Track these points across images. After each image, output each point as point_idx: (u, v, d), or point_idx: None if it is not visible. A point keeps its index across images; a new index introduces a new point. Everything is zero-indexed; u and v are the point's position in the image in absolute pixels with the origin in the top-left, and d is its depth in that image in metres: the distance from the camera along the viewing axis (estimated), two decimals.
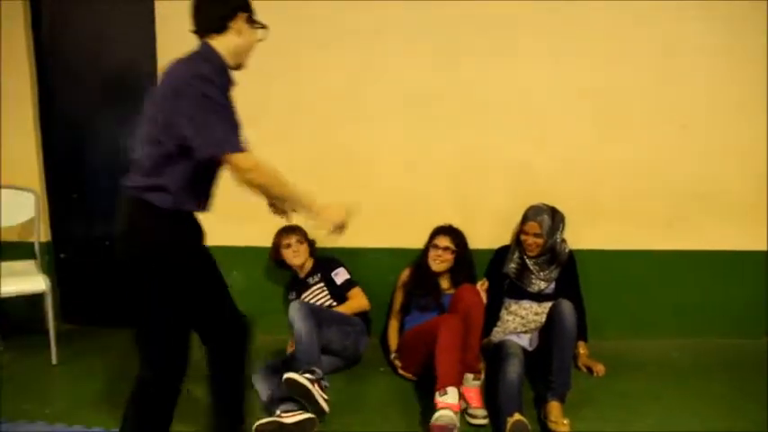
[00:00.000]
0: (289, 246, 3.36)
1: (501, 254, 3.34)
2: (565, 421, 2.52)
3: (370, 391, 3.00)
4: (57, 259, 3.94)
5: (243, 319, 2.18)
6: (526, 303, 3.16)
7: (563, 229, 3.21)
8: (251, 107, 3.58)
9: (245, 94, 3.75)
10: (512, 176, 3.55)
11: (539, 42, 3.47)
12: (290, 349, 3.13)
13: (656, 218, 3.55)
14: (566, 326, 2.72)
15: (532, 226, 3.15)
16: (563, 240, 3.23)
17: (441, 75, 3.51)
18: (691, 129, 3.49)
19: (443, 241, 3.25)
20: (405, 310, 3.31)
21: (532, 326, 3.12)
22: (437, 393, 2.51)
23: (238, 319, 2.16)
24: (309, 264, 3.43)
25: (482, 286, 3.15)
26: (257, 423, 2.48)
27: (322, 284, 3.38)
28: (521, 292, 3.18)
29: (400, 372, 3.12)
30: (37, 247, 3.68)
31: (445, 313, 3.01)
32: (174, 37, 3.57)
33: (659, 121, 3.50)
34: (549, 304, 2.96)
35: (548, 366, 2.71)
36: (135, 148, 1.99)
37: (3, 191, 3.63)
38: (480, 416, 2.66)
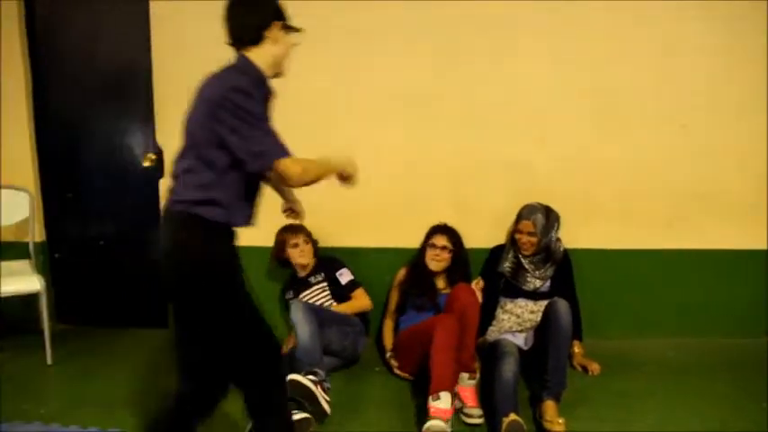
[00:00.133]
0: (296, 245, 3.36)
1: (496, 253, 3.34)
2: (560, 421, 2.53)
3: (367, 391, 3.00)
4: (51, 259, 3.94)
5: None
6: (521, 302, 3.17)
7: (558, 228, 3.22)
8: None
9: None
10: (509, 176, 3.56)
11: (537, 42, 3.48)
12: (288, 345, 3.14)
13: (656, 217, 3.57)
14: (561, 325, 2.73)
15: (526, 225, 3.16)
16: (558, 239, 3.24)
17: (439, 75, 3.52)
18: (690, 128, 3.50)
19: (441, 240, 3.25)
20: (400, 310, 3.32)
21: (528, 325, 3.13)
22: (430, 398, 2.52)
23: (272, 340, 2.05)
24: (312, 263, 3.43)
25: (477, 285, 3.15)
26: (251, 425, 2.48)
27: (324, 284, 3.39)
28: (516, 290, 3.19)
29: (396, 371, 3.13)
30: (31, 247, 3.66)
31: (441, 313, 3.01)
32: (169, 37, 3.62)
33: (658, 120, 3.51)
34: (544, 303, 2.97)
35: (543, 365, 2.71)
36: (177, 163, 1.96)
37: None
38: (476, 415, 2.66)
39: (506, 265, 3.23)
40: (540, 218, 3.16)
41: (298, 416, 2.49)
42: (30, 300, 3.30)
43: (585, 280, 3.38)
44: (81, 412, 2.76)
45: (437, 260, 3.23)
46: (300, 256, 3.36)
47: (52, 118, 3.84)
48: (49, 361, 3.30)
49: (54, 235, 3.94)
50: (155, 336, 3.77)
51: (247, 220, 1.99)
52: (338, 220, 3.55)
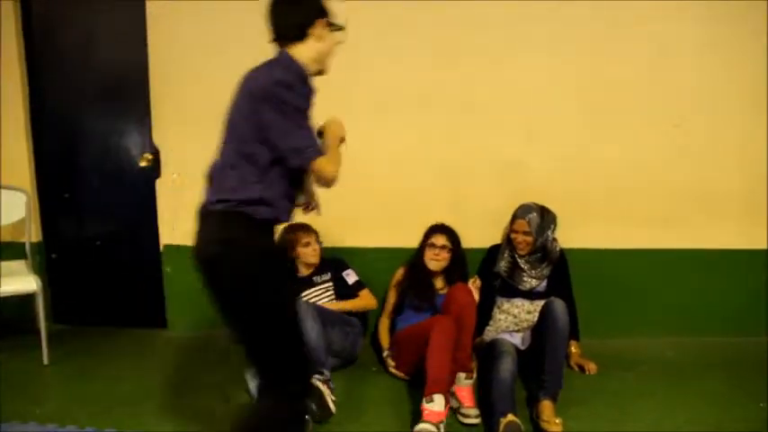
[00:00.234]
0: (308, 244, 3.35)
1: (493, 253, 3.35)
2: (557, 420, 2.53)
3: (365, 391, 3.00)
4: (48, 259, 3.94)
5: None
6: (518, 302, 3.18)
7: (555, 228, 3.23)
8: None
9: None
10: (506, 176, 3.56)
11: (535, 43, 3.48)
12: None
13: (654, 217, 3.58)
14: (558, 325, 2.73)
15: (521, 224, 3.18)
16: (554, 239, 3.25)
17: (436, 75, 3.52)
18: (689, 128, 3.51)
19: (440, 240, 3.26)
20: (398, 310, 3.32)
21: (525, 324, 3.14)
22: (424, 400, 2.53)
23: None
24: (317, 263, 3.45)
25: (473, 284, 3.16)
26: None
27: (330, 284, 3.39)
28: (513, 290, 3.20)
29: (392, 370, 3.14)
30: (28, 248, 3.66)
31: (439, 314, 3.01)
32: (166, 37, 3.62)
33: (658, 120, 3.52)
34: (541, 302, 2.97)
35: (540, 365, 2.72)
36: (217, 160, 1.96)
37: None
38: (472, 415, 2.67)
39: (503, 265, 3.24)
40: (534, 217, 3.17)
41: None
42: (26, 300, 3.29)
43: (583, 280, 3.39)
44: (78, 412, 2.75)
45: (437, 260, 3.24)
46: (313, 255, 3.36)
47: (49, 118, 3.84)
48: (45, 361, 3.30)
49: (51, 235, 3.94)
50: (151, 336, 3.78)
51: (290, 214, 2.00)
52: (335, 220, 3.54)
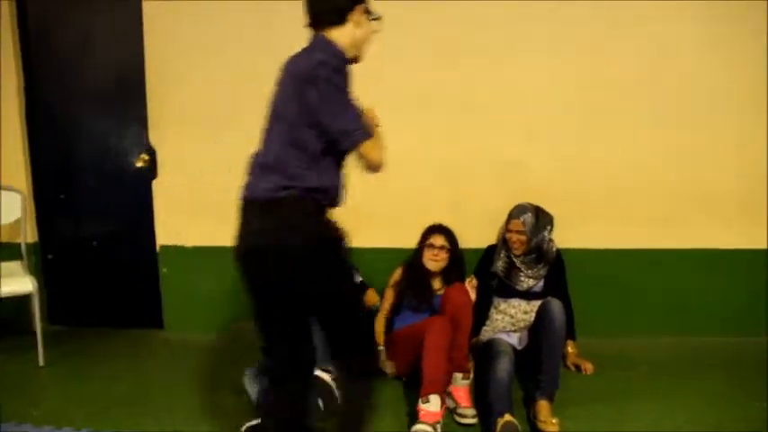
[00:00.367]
0: None
1: (490, 252, 3.34)
2: (554, 420, 2.52)
3: None
4: (44, 260, 3.93)
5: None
6: (515, 302, 3.17)
7: (551, 229, 3.22)
8: (248, 107, 3.60)
9: (241, 94, 3.75)
10: (504, 176, 3.55)
11: (534, 43, 3.48)
12: None
13: (654, 217, 3.57)
14: (555, 325, 2.72)
15: (516, 224, 3.17)
16: (551, 240, 3.24)
17: (436, 75, 3.51)
18: (690, 128, 3.50)
19: (439, 240, 3.25)
20: (395, 310, 3.31)
21: (521, 325, 3.12)
22: (420, 400, 2.53)
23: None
24: None
25: (470, 283, 3.15)
26: (246, 425, 2.47)
27: None
28: (509, 290, 3.19)
29: (387, 370, 3.12)
30: (24, 248, 3.64)
31: (436, 314, 3.00)
32: (162, 37, 3.61)
33: (658, 120, 3.51)
34: (537, 303, 2.97)
35: (537, 365, 2.71)
36: (265, 150, 1.94)
37: None
38: (469, 415, 2.66)
39: (500, 265, 3.23)
40: (529, 217, 3.17)
41: None
42: (22, 301, 3.29)
43: (583, 279, 3.38)
44: (74, 413, 2.75)
45: (436, 260, 3.23)
46: None
47: (45, 118, 3.82)
48: (41, 362, 3.29)
49: (47, 236, 3.93)
50: (148, 336, 3.77)
51: (341, 199, 2.01)
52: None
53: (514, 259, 3.20)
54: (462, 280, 3.19)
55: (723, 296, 3.59)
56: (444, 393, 2.63)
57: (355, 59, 2.01)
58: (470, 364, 2.93)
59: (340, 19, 1.95)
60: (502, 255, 3.25)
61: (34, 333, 3.28)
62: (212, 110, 3.64)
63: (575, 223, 3.45)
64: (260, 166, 1.94)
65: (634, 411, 2.73)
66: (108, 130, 3.78)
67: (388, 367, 3.13)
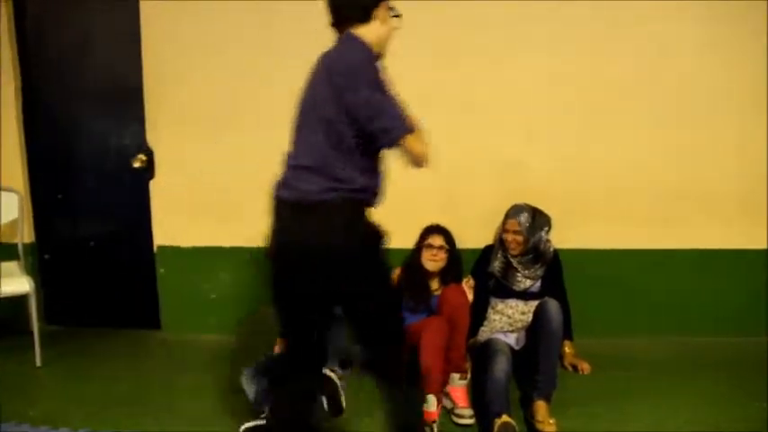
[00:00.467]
0: None
1: (487, 253, 3.33)
2: (551, 421, 2.53)
3: (357, 392, 2.98)
4: (41, 260, 3.91)
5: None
6: (512, 302, 3.16)
7: (549, 230, 3.22)
8: (247, 107, 3.61)
9: (240, 94, 3.74)
10: (502, 176, 3.54)
11: (534, 42, 3.47)
12: (277, 349, 3.11)
13: (653, 217, 3.56)
14: (552, 326, 2.72)
15: (512, 224, 3.17)
16: (548, 241, 3.23)
17: (436, 75, 3.49)
18: (690, 128, 3.49)
19: (438, 240, 3.23)
20: None
21: (519, 325, 3.12)
22: None
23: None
24: None
25: (467, 283, 3.14)
26: (245, 426, 2.46)
27: None
28: (507, 290, 3.18)
29: None
30: (20, 248, 3.62)
31: (434, 315, 2.99)
32: (160, 38, 3.60)
33: (658, 120, 3.50)
34: (534, 303, 2.96)
35: (534, 366, 2.70)
36: (304, 150, 1.93)
37: None
38: (467, 415, 2.66)
39: (497, 265, 3.23)
40: (525, 217, 3.16)
41: None
42: (19, 301, 3.28)
43: (582, 280, 3.38)
44: (71, 414, 2.74)
45: (434, 260, 3.21)
46: None
47: (42, 118, 3.81)
48: (38, 362, 3.28)
49: (43, 236, 3.91)
50: (145, 337, 3.76)
51: (381, 197, 2.02)
52: None
53: (511, 259, 3.19)
54: (460, 280, 3.18)
55: (723, 296, 3.58)
56: (441, 393, 2.63)
57: (378, 57, 2.00)
58: (468, 365, 2.93)
59: (365, 16, 1.95)
60: (499, 255, 3.25)
61: (31, 333, 3.27)
62: (210, 110, 3.63)
63: (575, 223, 3.45)
64: (299, 167, 1.92)
65: (634, 411, 2.73)
66: (106, 131, 3.76)
67: None
